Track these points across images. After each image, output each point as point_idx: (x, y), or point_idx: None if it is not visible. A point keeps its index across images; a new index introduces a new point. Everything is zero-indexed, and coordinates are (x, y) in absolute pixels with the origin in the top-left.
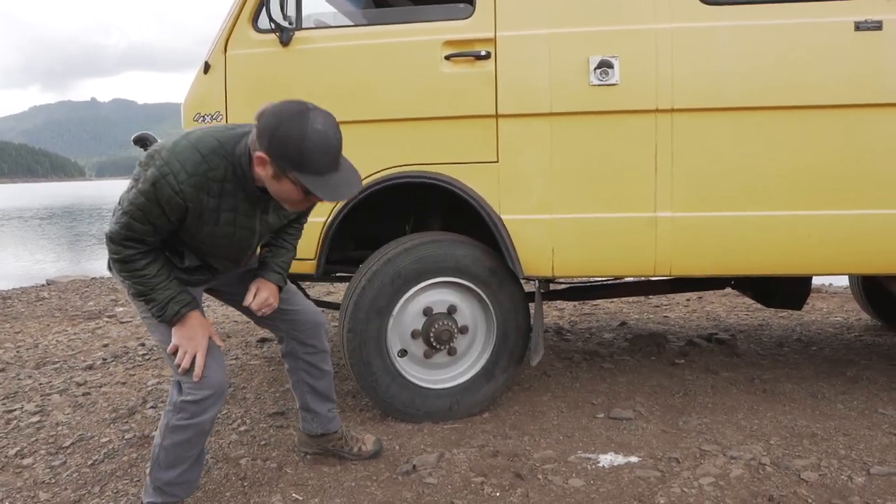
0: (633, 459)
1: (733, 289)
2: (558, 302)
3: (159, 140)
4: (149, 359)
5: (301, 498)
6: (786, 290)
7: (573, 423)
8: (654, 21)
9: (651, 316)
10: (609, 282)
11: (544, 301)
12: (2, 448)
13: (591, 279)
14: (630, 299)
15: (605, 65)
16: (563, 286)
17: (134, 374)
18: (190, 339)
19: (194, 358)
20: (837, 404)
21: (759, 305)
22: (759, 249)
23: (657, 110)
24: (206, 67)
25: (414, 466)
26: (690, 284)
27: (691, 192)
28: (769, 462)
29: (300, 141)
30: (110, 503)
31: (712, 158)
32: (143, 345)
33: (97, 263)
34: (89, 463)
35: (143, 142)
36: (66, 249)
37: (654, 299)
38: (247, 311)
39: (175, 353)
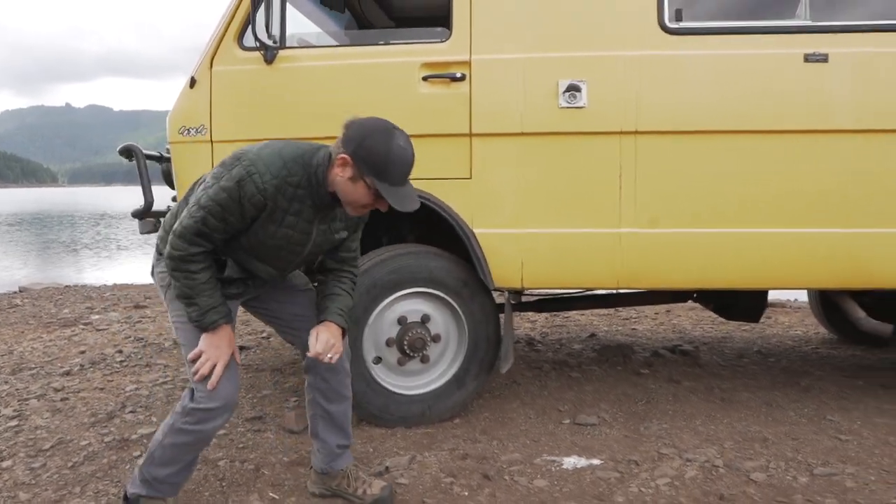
0: (595, 462)
1: (695, 302)
2: (530, 314)
3: (143, 149)
4: (126, 365)
5: (278, 497)
6: (743, 304)
7: (540, 428)
8: (620, 48)
9: (620, 328)
10: (577, 294)
11: (515, 312)
12: None
13: (560, 292)
14: (600, 312)
15: (573, 88)
16: (534, 298)
17: (112, 381)
18: (216, 348)
19: (212, 368)
20: (789, 411)
21: (723, 319)
22: (717, 265)
23: (622, 132)
24: (192, 82)
25: (387, 468)
26: (655, 297)
27: (653, 210)
28: (722, 464)
29: (385, 152)
30: (91, 503)
31: (673, 178)
32: (120, 352)
33: (67, 271)
34: (69, 465)
35: (128, 152)
36: (35, 257)
37: (624, 312)
38: (277, 323)
39: (196, 359)
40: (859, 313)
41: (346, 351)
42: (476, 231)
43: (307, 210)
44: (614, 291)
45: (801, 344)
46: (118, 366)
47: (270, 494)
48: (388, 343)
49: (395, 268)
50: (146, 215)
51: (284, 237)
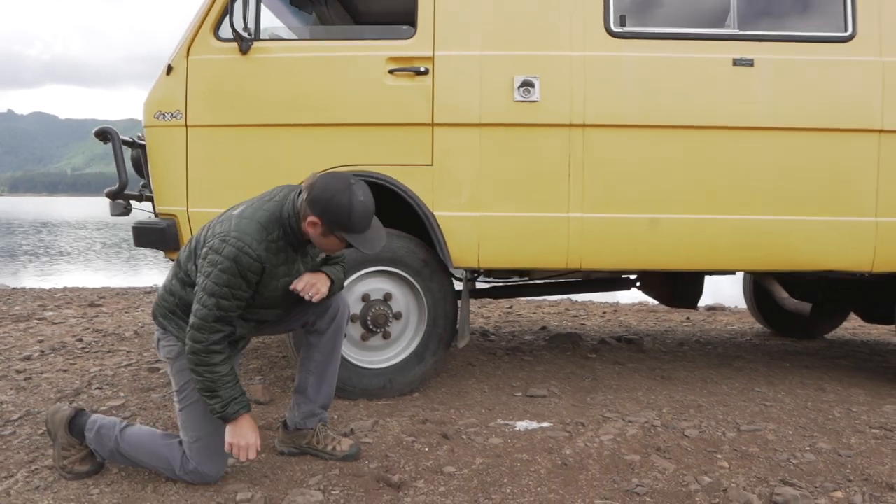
0: (546, 424)
1: (638, 289)
2: (484, 310)
3: (116, 131)
4: (88, 351)
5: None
6: (681, 290)
7: (494, 399)
8: (569, 49)
9: (570, 323)
10: (529, 282)
11: (472, 300)
12: None
13: (512, 280)
14: (551, 310)
15: (527, 84)
16: (488, 285)
17: (75, 364)
18: (244, 437)
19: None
20: (722, 385)
21: (667, 316)
22: (656, 247)
23: (571, 125)
24: (169, 69)
25: (352, 430)
26: (601, 285)
27: (599, 196)
28: (660, 424)
29: (348, 209)
30: None
31: (617, 167)
32: (80, 340)
33: (6, 279)
34: (39, 433)
35: (104, 135)
36: None
37: (573, 310)
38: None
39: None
40: (783, 294)
41: (344, 307)
42: (436, 214)
43: (291, 254)
44: (564, 280)
45: (737, 336)
46: (79, 352)
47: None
48: (353, 319)
49: None
50: (119, 195)
51: (284, 285)
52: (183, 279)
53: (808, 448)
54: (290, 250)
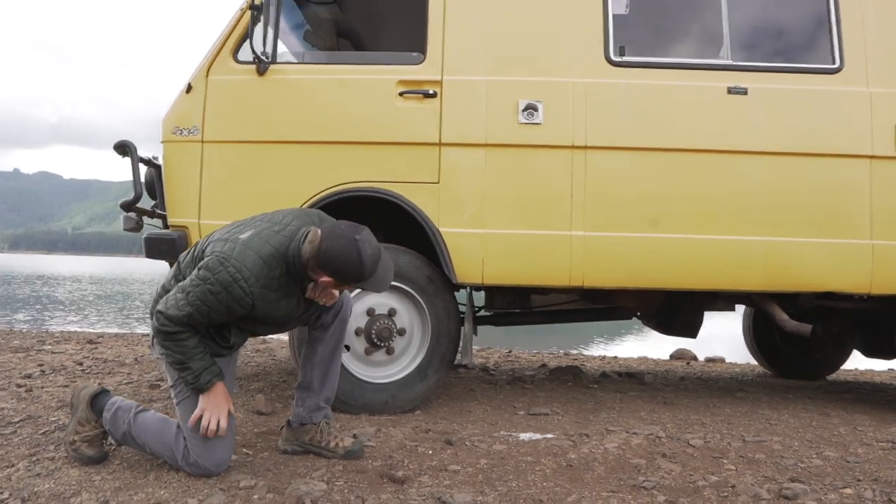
0: (549, 435)
1: (638, 318)
2: (483, 353)
3: (135, 145)
4: (88, 373)
5: (251, 453)
6: (681, 319)
7: (496, 416)
8: (571, 76)
9: (569, 364)
10: (532, 309)
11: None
12: None
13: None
14: (550, 353)
15: (531, 107)
16: (490, 314)
17: (75, 381)
18: (215, 406)
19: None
20: (725, 408)
21: (669, 364)
22: (657, 267)
23: (573, 146)
24: (189, 88)
25: (354, 435)
26: (602, 314)
27: (600, 215)
28: (664, 435)
29: (359, 268)
30: (66, 456)
31: (617, 188)
32: (80, 364)
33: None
34: (41, 432)
35: (123, 148)
36: None
37: (573, 352)
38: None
39: (196, 424)
40: (783, 315)
41: (348, 303)
42: (442, 230)
43: (292, 289)
44: (566, 308)
45: (738, 376)
46: (80, 372)
47: (244, 450)
48: (357, 332)
49: None
50: (133, 205)
51: (285, 312)
52: (181, 281)
53: (815, 455)
54: (291, 284)
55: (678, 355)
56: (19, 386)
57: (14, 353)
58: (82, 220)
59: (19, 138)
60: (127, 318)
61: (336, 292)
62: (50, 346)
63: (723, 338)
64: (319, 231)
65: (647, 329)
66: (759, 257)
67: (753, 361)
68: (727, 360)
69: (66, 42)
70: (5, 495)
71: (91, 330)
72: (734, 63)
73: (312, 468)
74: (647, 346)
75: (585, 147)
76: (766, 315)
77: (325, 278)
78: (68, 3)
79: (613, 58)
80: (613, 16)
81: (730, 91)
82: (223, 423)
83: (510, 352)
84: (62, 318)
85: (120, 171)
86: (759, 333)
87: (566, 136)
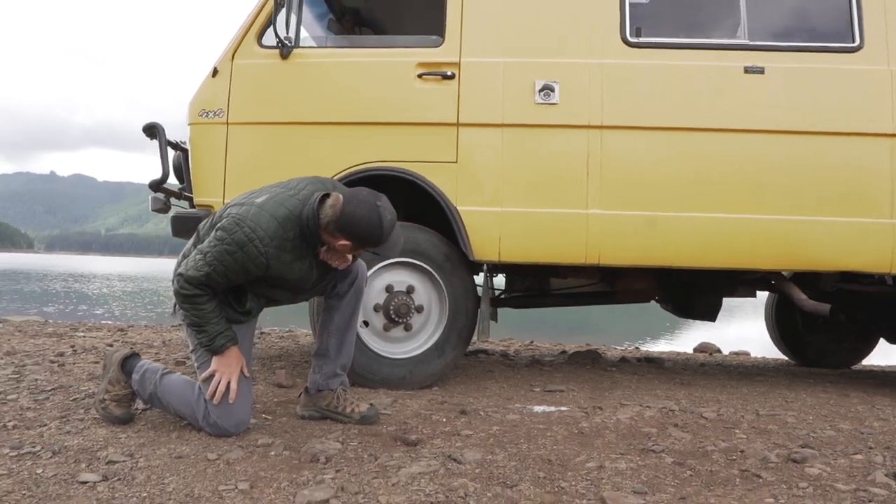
0: (563, 408)
1: (657, 302)
2: (506, 341)
3: (163, 128)
4: None
5: (270, 418)
6: (700, 302)
7: (512, 392)
8: (588, 57)
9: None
10: (550, 291)
11: (491, 319)
12: None
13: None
14: (570, 344)
15: (547, 88)
16: (509, 296)
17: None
18: (227, 366)
19: (227, 384)
20: (742, 388)
21: (688, 351)
22: (673, 245)
23: (589, 126)
24: (214, 72)
25: (371, 404)
26: (622, 297)
27: (616, 193)
28: (678, 409)
29: (379, 232)
30: (95, 418)
31: (633, 166)
32: (110, 345)
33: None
34: (71, 399)
35: (151, 130)
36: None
37: (593, 342)
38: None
39: (209, 379)
40: (801, 295)
41: (363, 272)
42: (459, 208)
43: (304, 251)
44: (584, 290)
45: (759, 364)
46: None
47: (263, 416)
48: (376, 308)
49: None
50: (161, 185)
51: (298, 275)
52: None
53: (828, 427)
54: (304, 246)
55: (702, 348)
56: (52, 362)
57: (48, 338)
58: (115, 221)
59: (55, 141)
60: (155, 311)
61: (349, 256)
62: (82, 333)
63: (750, 337)
64: (341, 196)
65: (674, 329)
66: (778, 236)
67: (780, 356)
68: (753, 356)
69: (98, 46)
70: (38, 448)
71: (124, 323)
72: (751, 42)
73: (328, 431)
74: (672, 344)
75: (601, 126)
76: (787, 301)
77: (343, 242)
78: (98, 6)
79: (630, 38)
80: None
81: (746, 70)
82: (233, 385)
83: (531, 342)
84: (94, 312)
85: (152, 172)
86: (782, 321)
87: (582, 116)
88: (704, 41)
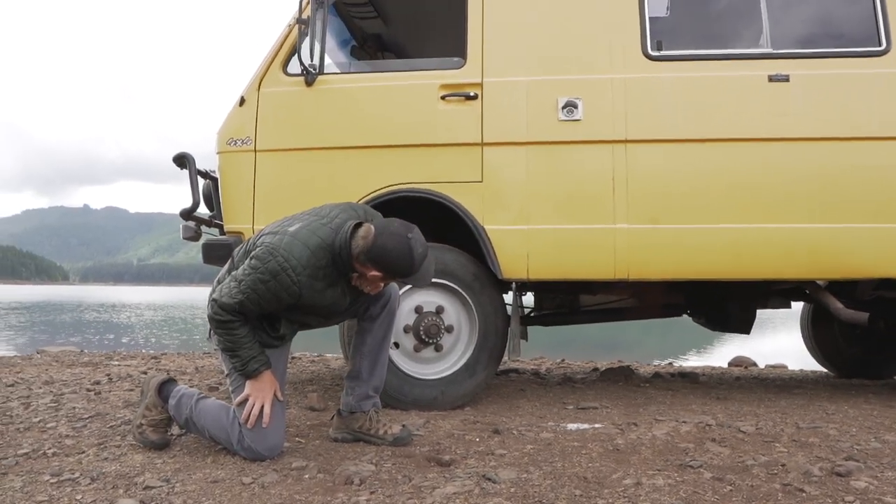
0: (597, 425)
1: (689, 315)
2: (537, 357)
3: (193, 157)
4: None
5: (303, 441)
6: (734, 315)
7: (545, 410)
8: (609, 72)
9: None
10: (578, 308)
11: (522, 338)
12: (25, 418)
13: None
14: (602, 362)
15: (570, 105)
16: (538, 314)
17: (140, 386)
18: (260, 390)
19: (260, 409)
20: (781, 401)
21: (723, 365)
22: (702, 257)
23: (614, 141)
24: (242, 101)
25: (404, 425)
26: (652, 312)
27: (643, 208)
28: (714, 423)
29: (410, 265)
30: (132, 444)
31: (659, 180)
32: (144, 373)
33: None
34: (108, 426)
35: (181, 160)
36: (42, 336)
37: (626, 359)
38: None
39: (243, 403)
40: (837, 304)
41: (396, 294)
42: (487, 227)
43: (336, 279)
44: (615, 306)
45: (797, 376)
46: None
47: (297, 439)
48: (406, 330)
49: None
50: (192, 214)
51: (330, 301)
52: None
53: (873, 439)
54: (336, 274)
55: (737, 362)
56: (89, 390)
57: (84, 367)
58: (147, 252)
59: (88, 176)
60: (192, 338)
61: (381, 283)
62: (117, 362)
63: (786, 350)
64: (372, 227)
65: (707, 343)
66: (810, 245)
67: (818, 368)
68: (790, 368)
69: (128, 82)
70: (76, 475)
71: (155, 350)
72: (774, 51)
73: (362, 453)
74: (705, 359)
75: (626, 141)
76: (824, 312)
77: (374, 273)
78: (127, 43)
79: (651, 52)
80: (650, 12)
81: (771, 79)
82: (267, 408)
83: (563, 360)
84: (126, 341)
85: (182, 202)
86: (819, 332)
87: (606, 132)
88: (726, 52)
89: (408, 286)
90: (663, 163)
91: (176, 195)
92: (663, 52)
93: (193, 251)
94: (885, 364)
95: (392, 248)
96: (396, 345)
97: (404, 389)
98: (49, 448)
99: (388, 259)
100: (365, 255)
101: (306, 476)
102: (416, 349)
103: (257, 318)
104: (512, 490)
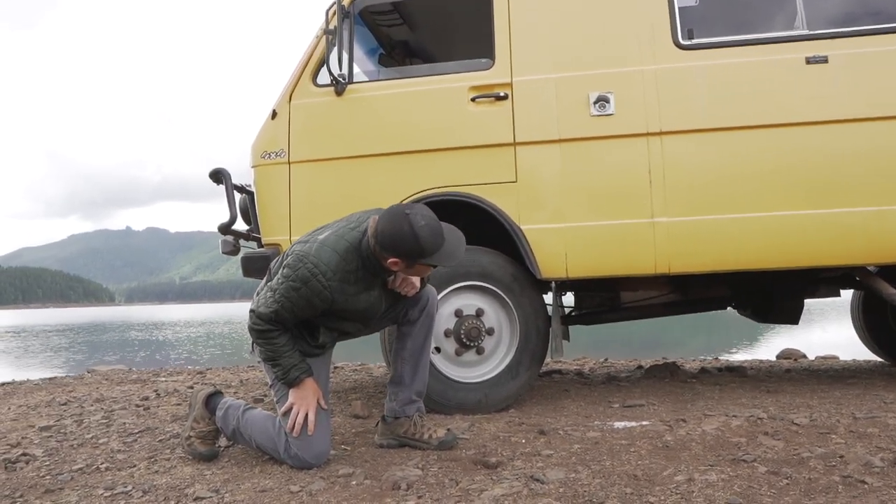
0: (645, 423)
1: (734, 308)
2: (579, 357)
3: (229, 173)
4: None
5: (349, 449)
6: (781, 305)
7: (590, 409)
8: (640, 64)
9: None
10: (619, 305)
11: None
12: (78, 435)
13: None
14: (646, 359)
15: (602, 99)
16: (579, 313)
17: (187, 401)
18: (303, 398)
19: (304, 417)
20: (835, 392)
21: (771, 358)
22: (744, 247)
23: (648, 133)
24: (274, 114)
25: (448, 429)
26: (697, 305)
27: (682, 199)
28: (766, 416)
29: (415, 240)
30: (181, 457)
31: (697, 170)
32: (191, 388)
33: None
34: (158, 440)
35: (217, 175)
36: (91, 357)
37: (670, 356)
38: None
39: (288, 413)
40: (889, 290)
41: (434, 297)
42: (523, 227)
43: (371, 281)
44: (657, 302)
45: (850, 366)
46: (191, 393)
47: (342, 446)
48: (447, 334)
49: None
50: (229, 228)
51: (365, 306)
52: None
53: None
54: (370, 277)
55: (786, 354)
56: (138, 406)
57: (133, 384)
58: (188, 270)
59: (128, 198)
60: (238, 354)
61: (415, 280)
62: (164, 378)
63: (836, 341)
64: (377, 217)
65: (754, 337)
66: (859, 229)
67: (872, 357)
68: (841, 359)
69: (165, 105)
70: (129, 488)
71: (200, 367)
72: (811, 32)
73: (408, 458)
74: (752, 353)
75: (661, 133)
76: (875, 299)
77: (392, 260)
78: (158, 66)
79: (682, 41)
80: (679, 1)
81: (808, 61)
82: (311, 416)
83: (606, 359)
84: (174, 358)
85: (220, 219)
86: (871, 320)
87: (640, 124)
88: (759, 36)
89: (445, 291)
90: (701, 153)
91: (214, 212)
92: (694, 41)
93: (233, 267)
94: None
95: (391, 227)
96: (438, 349)
97: (448, 394)
98: (102, 463)
99: (392, 240)
100: (376, 245)
101: (353, 483)
102: (458, 353)
103: (296, 328)
104: (561, 490)
